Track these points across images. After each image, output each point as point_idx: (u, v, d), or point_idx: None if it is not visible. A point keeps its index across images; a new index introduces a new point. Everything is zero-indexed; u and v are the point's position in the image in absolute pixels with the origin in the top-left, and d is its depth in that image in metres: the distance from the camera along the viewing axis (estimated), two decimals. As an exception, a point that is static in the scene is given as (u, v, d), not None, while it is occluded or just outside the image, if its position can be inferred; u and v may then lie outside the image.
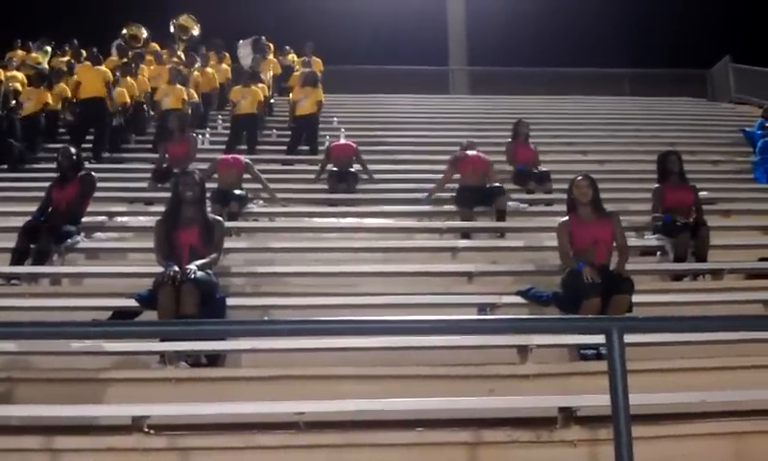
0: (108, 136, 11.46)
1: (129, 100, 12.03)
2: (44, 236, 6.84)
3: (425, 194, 8.88)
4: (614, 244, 5.96)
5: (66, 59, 14.11)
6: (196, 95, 12.91)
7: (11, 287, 6.63)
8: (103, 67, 12.00)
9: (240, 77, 12.69)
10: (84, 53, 13.46)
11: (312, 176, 10.31)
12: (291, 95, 12.74)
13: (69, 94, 12.02)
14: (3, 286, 6.68)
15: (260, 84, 12.92)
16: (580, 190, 6.00)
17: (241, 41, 15.84)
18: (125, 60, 13.24)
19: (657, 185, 7.73)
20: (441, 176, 8.93)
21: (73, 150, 7.78)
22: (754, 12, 21.48)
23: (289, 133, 12.18)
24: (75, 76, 12.24)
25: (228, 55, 15.37)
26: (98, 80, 11.57)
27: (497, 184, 8.49)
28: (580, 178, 6.11)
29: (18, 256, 6.79)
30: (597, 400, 3.96)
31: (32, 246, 6.86)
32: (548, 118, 14.43)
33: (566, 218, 6.02)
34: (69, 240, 7.13)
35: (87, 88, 11.54)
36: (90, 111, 11.38)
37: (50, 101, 11.69)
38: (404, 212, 8.97)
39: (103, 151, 11.32)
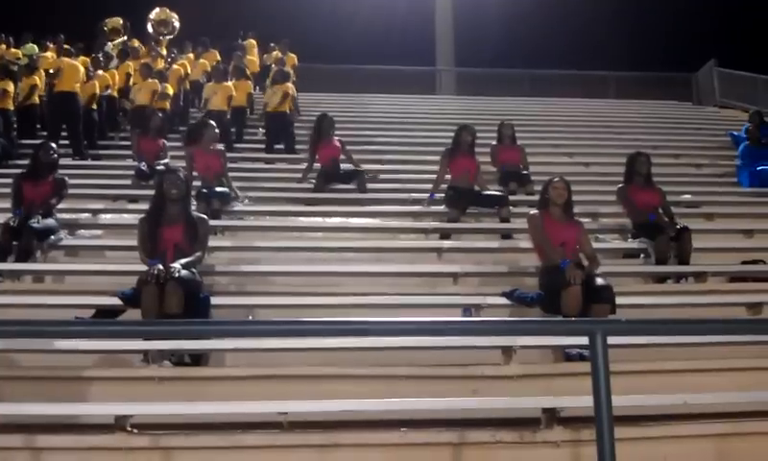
0: (81, 130, 11.35)
1: (97, 92, 11.91)
2: (26, 234, 6.77)
3: (428, 195, 8.85)
4: (578, 248, 6.00)
5: (50, 54, 14.01)
6: (171, 89, 12.81)
7: None
8: (75, 62, 11.93)
9: (214, 74, 12.62)
10: (69, 48, 13.36)
11: (295, 175, 10.32)
12: (265, 94, 12.77)
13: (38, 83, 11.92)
14: None
15: (245, 81, 12.94)
16: (556, 191, 6.07)
17: None
18: (98, 54, 13.15)
19: (620, 186, 7.76)
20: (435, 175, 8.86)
21: (54, 146, 7.71)
22: (738, 18, 21.66)
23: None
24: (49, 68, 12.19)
25: (216, 52, 15.30)
26: (73, 73, 11.53)
27: (500, 193, 8.50)
28: (557, 179, 6.20)
29: (0, 255, 6.74)
30: (580, 401, 3.98)
31: (14, 243, 6.80)
32: (535, 120, 14.48)
33: (537, 212, 6.09)
34: (52, 237, 7.08)
35: (62, 82, 11.50)
36: (63, 105, 11.31)
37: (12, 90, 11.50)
38: (390, 212, 8.97)
39: (81, 146, 11.23)
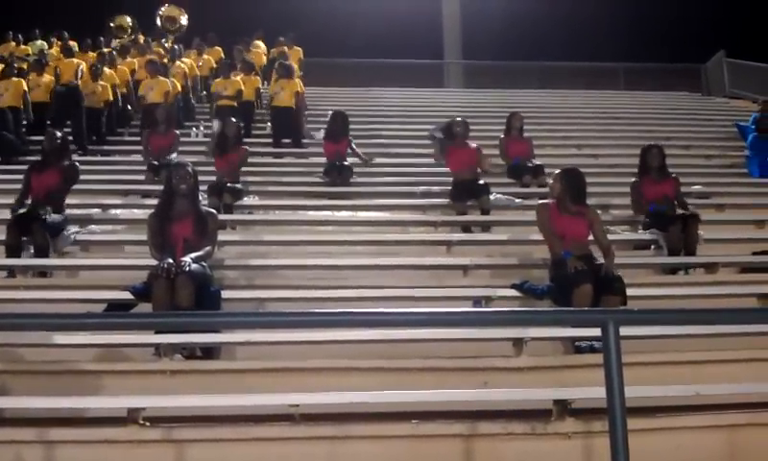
0: (84, 124, 11.38)
1: (110, 97, 11.93)
2: (39, 232, 6.77)
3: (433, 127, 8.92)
4: (590, 239, 5.97)
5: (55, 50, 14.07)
6: (179, 86, 12.84)
7: (4, 280, 6.61)
8: (74, 60, 12.06)
9: (221, 69, 12.57)
10: (74, 44, 13.42)
11: (302, 169, 10.34)
12: (269, 88, 12.72)
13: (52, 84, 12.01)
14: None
15: (253, 76, 12.96)
16: (549, 185, 6.09)
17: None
18: (101, 51, 13.18)
19: (634, 180, 7.73)
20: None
21: (59, 133, 7.70)
22: (748, 7, 21.50)
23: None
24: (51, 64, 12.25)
25: (220, 49, 15.30)
26: (71, 68, 11.59)
27: (482, 182, 8.46)
28: (557, 172, 6.20)
29: (11, 253, 6.75)
30: (592, 392, 3.97)
31: (23, 238, 6.82)
32: (543, 112, 14.43)
33: (546, 202, 6.08)
34: (64, 233, 7.10)
35: (63, 76, 11.58)
36: (65, 99, 11.35)
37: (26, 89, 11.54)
38: (399, 205, 8.97)
39: (84, 140, 11.25)
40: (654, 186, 7.53)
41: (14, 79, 11.32)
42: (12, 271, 6.76)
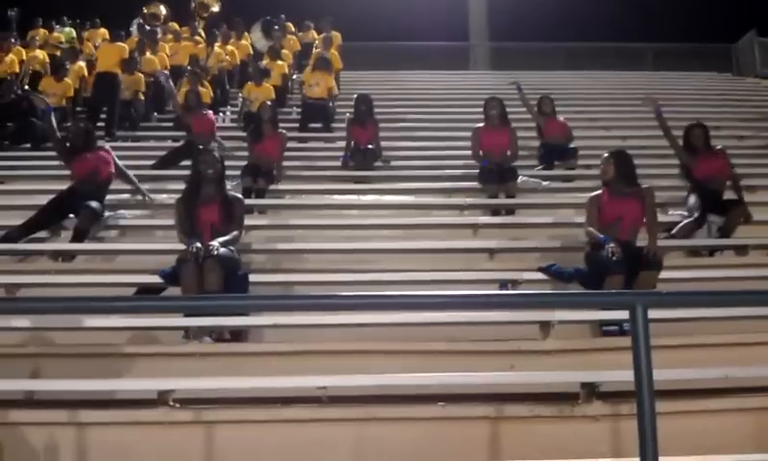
0: (117, 112, 11.49)
1: (143, 87, 11.99)
2: (84, 214, 6.89)
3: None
4: (644, 220, 5.90)
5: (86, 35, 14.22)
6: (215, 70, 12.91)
7: (30, 263, 6.75)
8: (120, 43, 12.09)
9: (255, 75, 12.42)
10: (105, 32, 13.54)
11: (327, 153, 10.35)
12: (303, 75, 12.65)
13: (86, 73, 12.14)
14: (22, 262, 6.79)
15: (279, 62, 12.97)
16: (601, 168, 6.01)
17: (253, 26, 15.68)
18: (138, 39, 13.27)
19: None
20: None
21: (82, 125, 7.83)
22: (780, -15, 21.04)
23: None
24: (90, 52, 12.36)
25: (247, 33, 15.32)
26: (113, 55, 11.66)
27: (510, 166, 8.40)
28: (605, 155, 6.11)
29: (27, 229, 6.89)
30: (619, 375, 3.96)
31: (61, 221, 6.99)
32: (570, 94, 14.29)
33: (599, 192, 6.01)
34: (100, 218, 7.20)
35: (102, 64, 11.68)
36: (103, 86, 11.47)
37: (69, 92, 11.70)
38: (424, 189, 8.95)
39: (114, 127, 11.37)
40: (704, 163, 7.39)
41: (66, 80, 11.54)
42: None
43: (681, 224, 7.14)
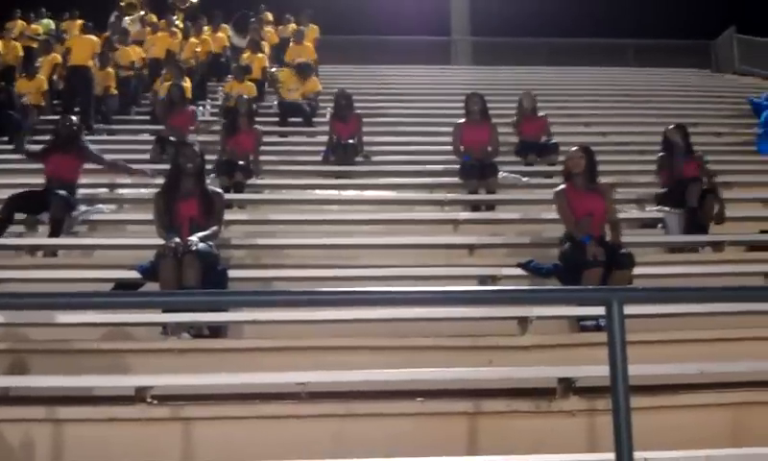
0: (93, 106, 11.40)
1: (112, 83, 11.89)
2: (56, 206, 6.85)
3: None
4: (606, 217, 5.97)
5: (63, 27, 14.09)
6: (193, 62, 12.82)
7: (12, 259, 6.68)
8: (92, 37, 11.97)
9: (237, 72, 12.29)
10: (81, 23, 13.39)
11: (308, 148, 10.32)
12: (280, 74, 12.52)
13: (59, 61, 12.02)
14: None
15: (260, 54, 12.91)
16: (572, 161, 6.05)
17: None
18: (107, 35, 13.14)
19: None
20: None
21: (73, 118, 7.78)
22: (759, -18, 21.22)
23: None
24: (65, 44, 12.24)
25: (227, 26, 15.21)
26: (86, 48, 11.56)
27: (490, 162, 8.43)
28: (573, 149, 6.16)
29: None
30: (596, 371, 3.98)
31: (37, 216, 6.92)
32: (551, 89, 14.33)
33: (562, 186, 6.05)
34: (74, 213, 7.15)
35: (75, 57, 11.55)
36: (76, 80, 11.37)
37: (43, 86, 11.56)
38: (406, 184, 8.96)
39: (91, 120, 11.28)
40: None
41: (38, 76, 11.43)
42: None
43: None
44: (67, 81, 11.70)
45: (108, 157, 7.73)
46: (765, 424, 4.22)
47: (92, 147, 7.66)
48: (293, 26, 15.49)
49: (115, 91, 11.93)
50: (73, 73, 11.52)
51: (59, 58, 12.07)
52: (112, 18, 14.53)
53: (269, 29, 15.31)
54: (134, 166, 8.05)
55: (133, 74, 12.42)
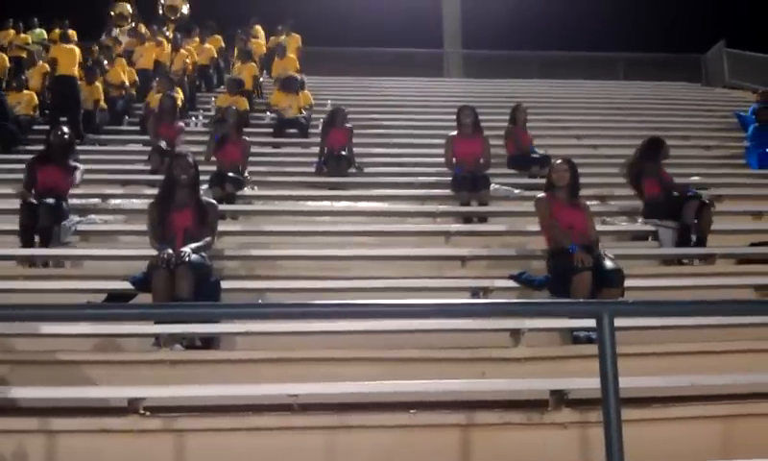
0: (80, 115, 11.37)
1: (101, 97, 11.86)
2: (44, 214, 6.82)
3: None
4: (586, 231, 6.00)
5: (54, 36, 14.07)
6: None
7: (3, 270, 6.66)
8: (73, 46, 11.93)
9: (230, 86, 12.31)
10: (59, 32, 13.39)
11: (303, 159, 10.34)
12: (272, 97, 12.48)
13: (48, 69, 12.00)
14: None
15: (250, 63, 13.02)
16: (557, 174, 6.10)
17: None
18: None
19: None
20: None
21: (65, 129, 7.75)
22: (748, -2, 21.46)
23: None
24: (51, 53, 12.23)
25: (219, 37, 15.23)
26: (70, 58, 11.53)
27: (483, 175, 8.46)
28: (558, 161, 6.22)
29: (25, 232, 6.80)
30: (588, 383, 4.00)
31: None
32: (543, 102, 14.41)
33: (544, 195, 6.09)
34: (65, 222, 7.13)
35: (61, 67, 11.52)
36: (63, 90, 11.35)
37: (34, 101, 11.54)
38: (398, 196, 8.99)
39: (80, 131, 11.25)
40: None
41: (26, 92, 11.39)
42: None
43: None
44: (54, 93, 11.66)
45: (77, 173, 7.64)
46: (756, 436, 4.25)
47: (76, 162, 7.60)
48: (273, 38, 15.45)
49: (104, 105, 11.91)
50: (60, 83, 11.51)
51: (46, 66, 12.06)
52: (103, 37, 14.52)
53: (255, 41, 15.34)
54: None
55: (123, 94, 12.38)
